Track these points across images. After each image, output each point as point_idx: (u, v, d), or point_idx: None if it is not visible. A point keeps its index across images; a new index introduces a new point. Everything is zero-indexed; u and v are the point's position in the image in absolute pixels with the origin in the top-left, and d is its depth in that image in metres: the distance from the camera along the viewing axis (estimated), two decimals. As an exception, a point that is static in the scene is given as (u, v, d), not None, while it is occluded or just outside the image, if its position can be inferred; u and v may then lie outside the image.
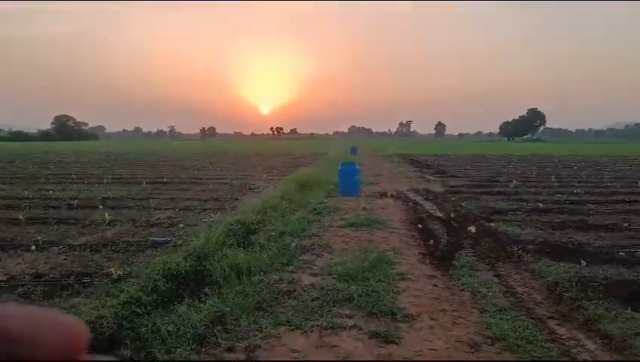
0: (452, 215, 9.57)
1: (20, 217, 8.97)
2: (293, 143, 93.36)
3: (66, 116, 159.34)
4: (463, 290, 5.21)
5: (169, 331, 3.99)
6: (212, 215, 9.11)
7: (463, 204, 11.09)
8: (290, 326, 4.22)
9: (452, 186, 14.99)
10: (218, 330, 4.09)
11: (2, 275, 5.61)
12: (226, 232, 7.11)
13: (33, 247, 6.78)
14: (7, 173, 19.56)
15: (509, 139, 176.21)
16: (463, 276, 5.66)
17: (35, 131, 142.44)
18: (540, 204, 10.88)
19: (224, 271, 5.47)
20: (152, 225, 8.64)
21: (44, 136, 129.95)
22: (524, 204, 11.14)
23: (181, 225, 8.55)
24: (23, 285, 5.22)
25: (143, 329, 4.03)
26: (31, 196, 12.34)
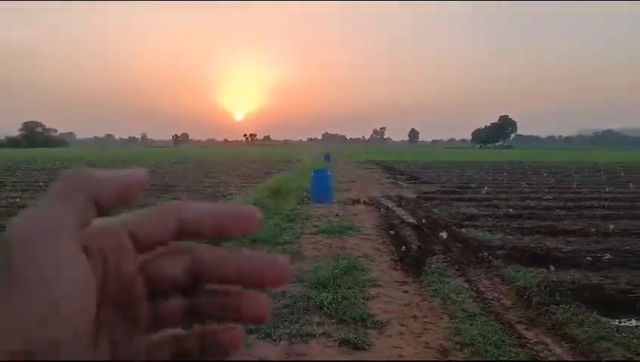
0: (424, 221, 9.62)
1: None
2: (267, 150, 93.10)
3: (35, 122, 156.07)
4: (434, 296, 5.22)
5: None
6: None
7: (435, 210, 11.16)
8: (259, 334, 4.14)
9: (425, 192, 15.09)
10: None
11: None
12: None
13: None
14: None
15: (481, 146, 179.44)
16: (433, 282, 5.67)
17: (3, 138, 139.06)
18: (511, 210, 11.02)
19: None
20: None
21: (12, 143, 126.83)
22: (495, 209, 11.27)
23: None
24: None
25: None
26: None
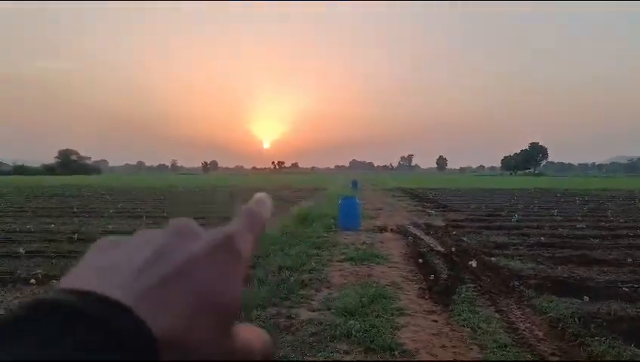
0: (453, 249, 9.50)
1: (21, 251, 8.94)
2: (294, 177, 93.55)
3: (70, 150, 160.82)
4: (463, 326, 5.12)
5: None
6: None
7: (464, 238, 11.02)
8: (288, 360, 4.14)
9: (453, 220, 14.93)
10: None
11: (1, 309, 5.55)
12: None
13: (33, 281, 6.73)
14: (9, 207, 19.58)
15: (510, 173, 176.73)
16: (463, 311, 5.57)
17: (39, 165, 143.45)
18: (542, 239, 10.80)
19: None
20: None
21: (48, 170, 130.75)
22: (526, 238, 11.06)
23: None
24: None
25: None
26: (32, 229, 12.33)
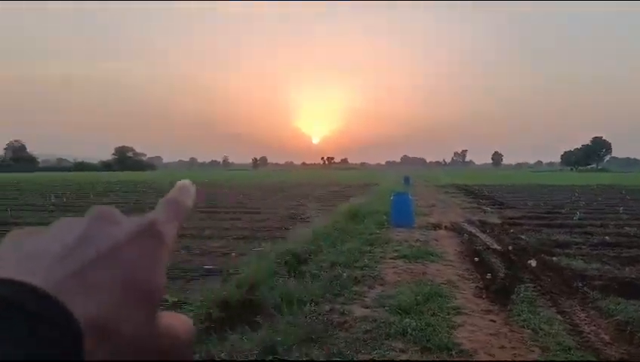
0: (510, 248, 9.20)
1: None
2: (344, 173, 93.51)
3: (126, 147, 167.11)
4: (523, 327, 4.94)
5: (222, 359, 3.99)
6: (263, 244, 9.18)
7: (523, 237, 10.65)
8: (341, 358, 4.12)
9: (510, 218, 14.46)
10: (270, 360, 4.06)
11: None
12: (277, 262, 7.13)
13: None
14: (69, 204, 20.60)
15: (571, 169, 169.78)
16: (522, 312, 5.38)
17: (97, 162, 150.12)
18: (607, 238, 10.29)
19: (276, 300, 5.45)
20: (205, 253, 8.81)
21: (106, 166, 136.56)
22: (590, 237, 10.56)
23: (233, 253, 8.66)
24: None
25: (197, 356, 4.06)
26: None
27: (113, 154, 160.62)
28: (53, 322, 0.25)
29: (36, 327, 0.24)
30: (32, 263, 0.28)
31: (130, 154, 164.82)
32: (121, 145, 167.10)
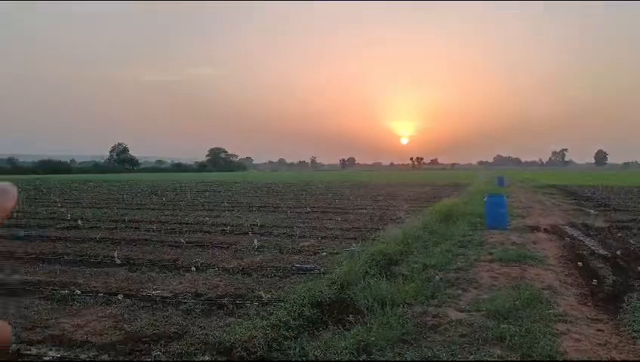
0: (619, 253, 8.55)
1: (182, 241, 9.96)
2: (434, 174, 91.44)
3: (219, 149, 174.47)
4: (636, 338, 4.58)
5: (316, 356, 4.07)
6: (354, 244, 9.23)
7: (632, 241, 9.85)
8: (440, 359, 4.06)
9: (617, 221, 13.43)
10: (364, 360, 4.09)
11: (168, 292, 6.24)
12: (368, 262, 7.13)
13: (193, 269, 7.46)
14: (169, 202, 21.94)
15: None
16: (635, 321, 4.98)
17: (193, 163, 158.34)
18: None
19: (367, 300, 5.46)
20: (296, 252, 9.02)
21: (200, 167, 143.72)
22: None
23: (324, 253, 8.78)
24: (185, 302, 5.75)
25: (291, 351, 4.17)
26: (190, 221, 13.68)
27: (207, 155, 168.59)
28: None
29: None
30: None
31: (222, 155, 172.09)
32: (214, 146, 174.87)
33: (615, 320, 5.12)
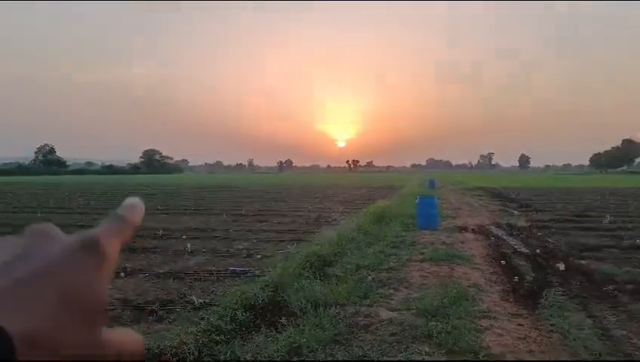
0: (538, 251, 9.08)
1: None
2: (370, 176, 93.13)
3: (154, 150, 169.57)
4: (552, 331, 4.88)
5: (247, 360, 4.05)
6: (289, 246, 9.24)
7: (550, 240, 10.49)
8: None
9: (538, 221, 14.24)
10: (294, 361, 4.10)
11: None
12: (302, 264, 7.17)
13: (122, 274, 7.20)
14: (99, 205, 21.04)
15: (600, 172, 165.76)
16: (551, 316, 5.31)
17: (125, 165, 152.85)
18: (638, 241, 10.05)
19: (301, 302, 5.50)
20: (230, 255, 8.91)
21: (134, 169, 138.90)
22: (620, 240, 10.34)
23: (258, 255, 8.74)
24: (112, 309, 5.54)
25: (222, 357, 4.12)
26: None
27: (141, 157, 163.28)
28: None
29: None
30: None
31: (157, 157, 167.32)
32: (149, 148, 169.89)
33: (534, 315, 5.42)
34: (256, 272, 7.21)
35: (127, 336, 0.37)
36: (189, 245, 9.38)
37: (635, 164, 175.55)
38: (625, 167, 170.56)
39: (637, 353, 4.35)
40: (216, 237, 11.07)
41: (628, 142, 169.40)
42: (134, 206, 0.42)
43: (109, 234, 0.37)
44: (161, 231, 11.71)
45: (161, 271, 7.54)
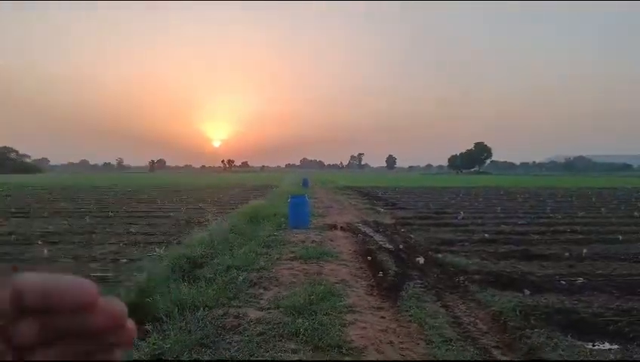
0: (401, 246, 9.64)
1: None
2: (245, 176, 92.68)
3: (7, 148, 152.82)
4: (411, 321, 5.19)
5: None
6: (157, 249, 8.80)
7: (412, 236, 11.21)
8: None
9: (402, 218, 15.17)
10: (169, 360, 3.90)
11: None
12: (170, 266, 6.87)
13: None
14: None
15: (457, 172, 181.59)
16: (410, 307, 5.65)
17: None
18: (486, 235, 11.13)
19: (167, 306, 5.24)
20: (94, 260, 8.27)
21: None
22: (471, 235, 11.37)
23: (124, 260, 8.21)
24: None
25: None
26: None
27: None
28: None
29: None
30: None
31: (12, 155, 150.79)
32: (1, 145, 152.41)
33: (395, 307, 5.73)
34: (121, 277, 6.74)
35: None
36: (46, 251, 8.52)
37: (486, 165, 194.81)
38: (477, 168, 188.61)
39: (482, 337, 4.77)
40: (80, 241, 10.19)
41: (479, 146, 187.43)
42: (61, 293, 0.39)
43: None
44: (13, 236, 10.52)
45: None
